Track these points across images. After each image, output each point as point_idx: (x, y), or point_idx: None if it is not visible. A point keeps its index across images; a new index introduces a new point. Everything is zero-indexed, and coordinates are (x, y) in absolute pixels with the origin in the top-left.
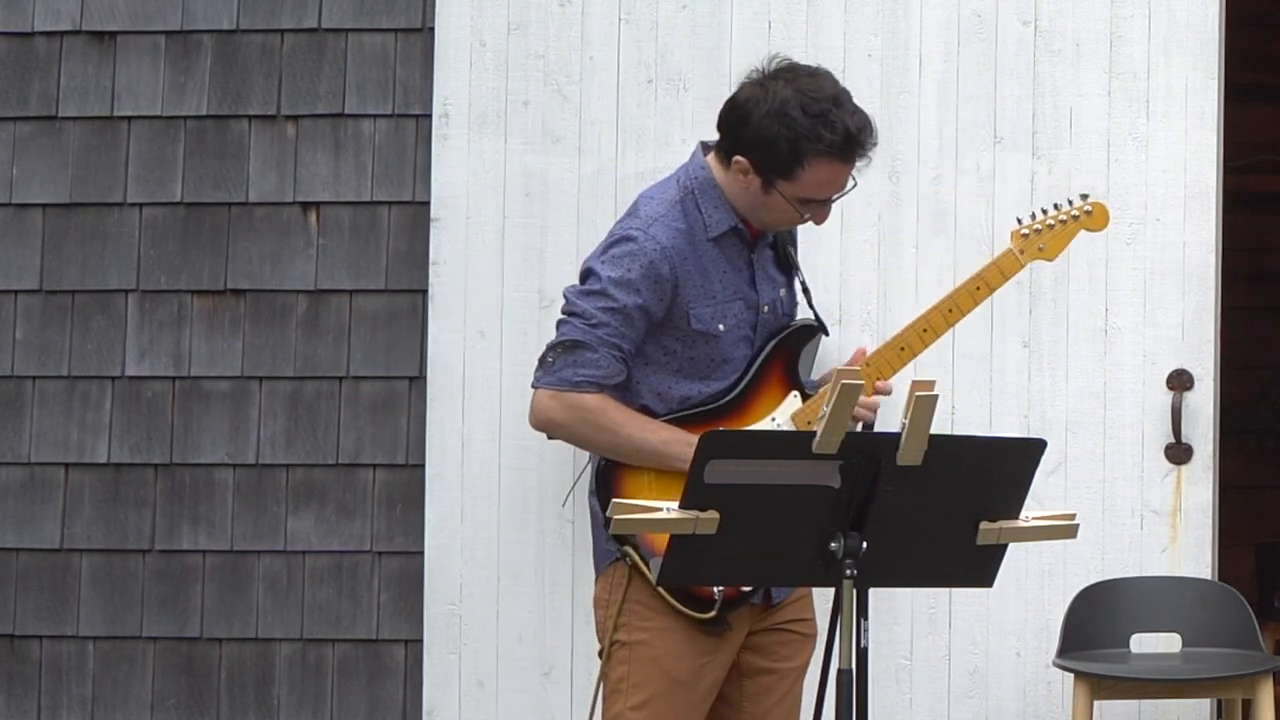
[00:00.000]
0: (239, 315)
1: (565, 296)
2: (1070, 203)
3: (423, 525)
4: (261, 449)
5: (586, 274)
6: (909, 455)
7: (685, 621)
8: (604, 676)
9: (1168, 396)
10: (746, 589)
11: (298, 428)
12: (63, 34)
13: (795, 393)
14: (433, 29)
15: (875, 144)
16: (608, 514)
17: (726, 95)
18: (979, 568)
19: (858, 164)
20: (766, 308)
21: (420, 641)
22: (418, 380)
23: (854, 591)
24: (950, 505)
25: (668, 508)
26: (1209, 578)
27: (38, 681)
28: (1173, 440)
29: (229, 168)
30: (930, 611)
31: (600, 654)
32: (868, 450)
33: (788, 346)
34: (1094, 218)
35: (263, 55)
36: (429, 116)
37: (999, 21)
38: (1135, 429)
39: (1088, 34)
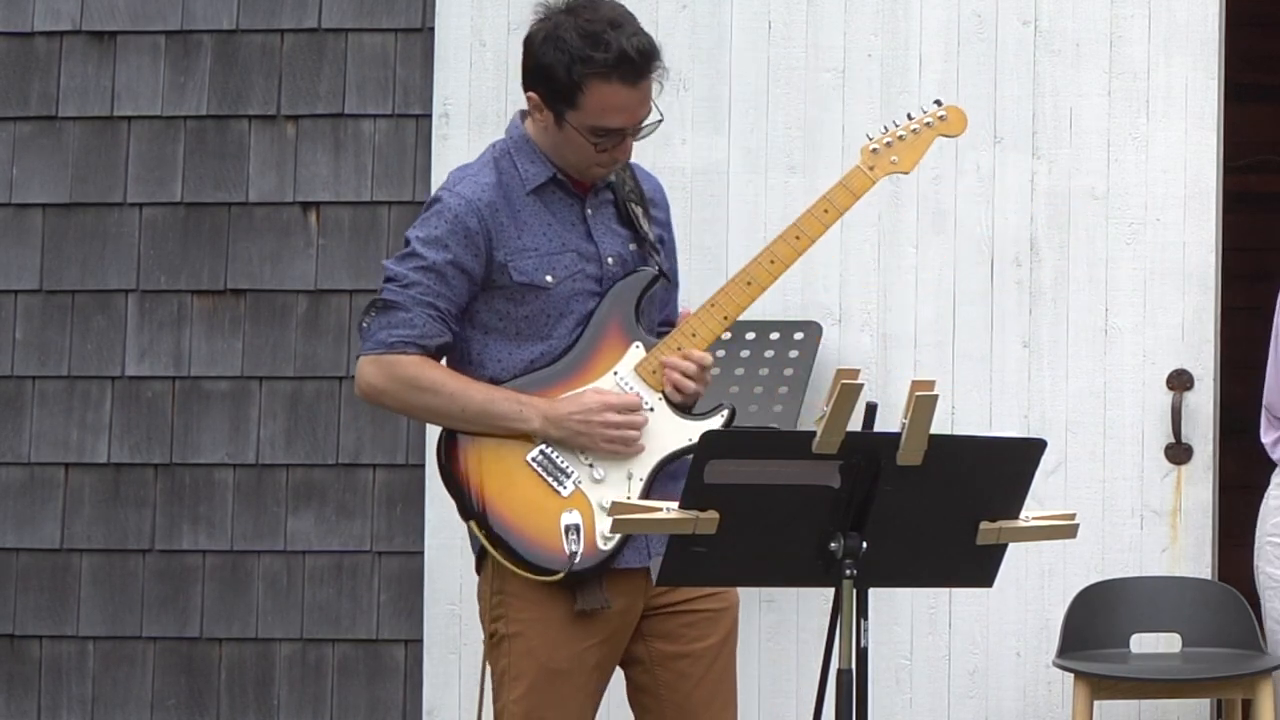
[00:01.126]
0: (239, 315)
1: (382, 266)
2: (923, 110)
3: (423, 525)
4: (261, 449)
5: (404, 242)
6: (909, 455)
7: (560, 610)
8: (490, 666)
9: (1168, 396)
10: (604, 547)
11: (298, 428)
12: (63, 34)
13: (637, 343)
14: (433, 29)
15: (659, 65)
16: (609, 513)
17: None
18: (979, 568)
19: (649, 88)
20: (611, 259)
21: (420, 641)
22: None
23: (854, 591)
24: (950, 505)
25: (668, 508)
26: (1209, 578)
27: (38, 681)
28: (1173, 440)
29: (229, 168)
30: (930, 611)
31: (484, 643)
32: (868, 450)
33: (621, 297)
34: (949, 122)
35: (263, 55)
36: (429, 116)
37: (999, 21)
38: (1135, 429)
39: (1088, 34)
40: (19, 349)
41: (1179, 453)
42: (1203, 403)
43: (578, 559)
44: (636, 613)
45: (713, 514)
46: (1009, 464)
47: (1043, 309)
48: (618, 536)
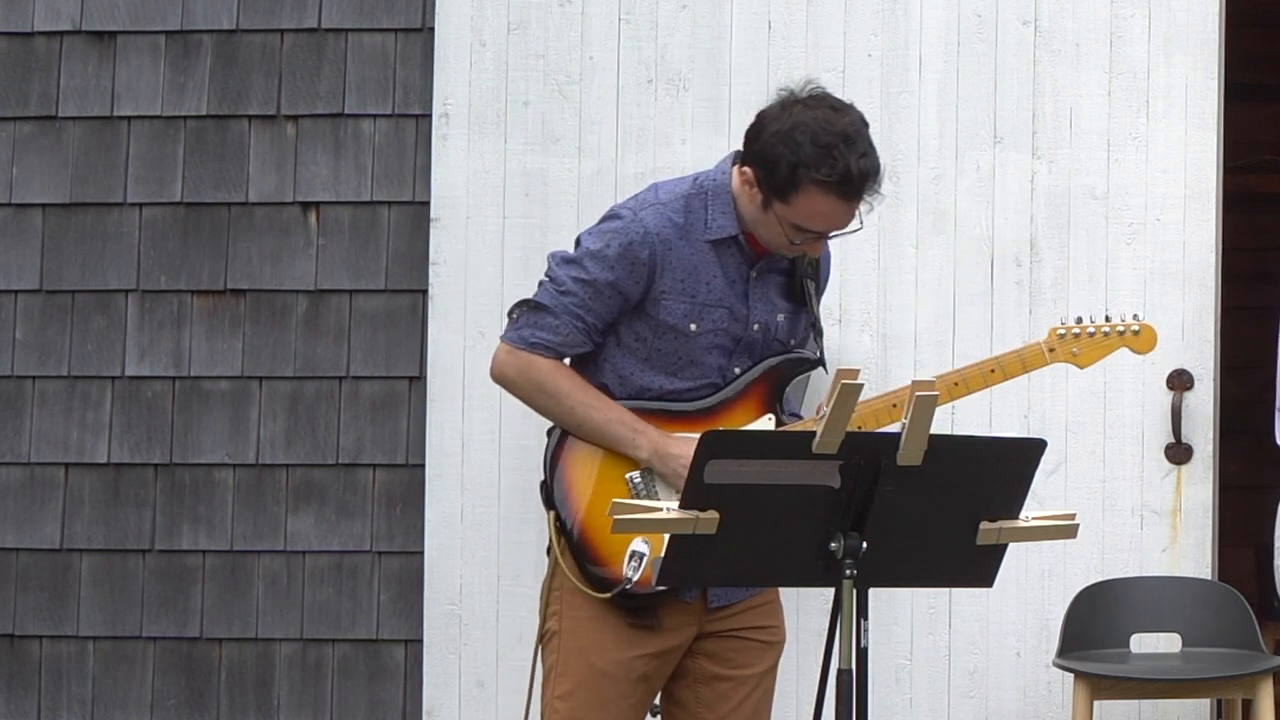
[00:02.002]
0: (239, 315)
1: (548, 259)
2: (1121, 317)
3: (423, 525)
4: (261, 449)
5: (576, 244)
6: (909, 455)
7: (615, 612)
8: (541, 659)
9: (1168, 396)
10: (661, 585)
11: (298, 428)
12: (63, 34)
13: (770, 416)
14: (433, 29)
15: (877, 190)
16: (609, 513)
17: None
18: (979, 568)
19: (860, 208)
20: (757, 326)
21: (420, 641)
22: (418, 380)
23: (854, 591)
24: (950, 505)
25: (668, 508)
26: (1209, 578)
27: (38, 681)
28: (1173, 440)
29: (229, 168)
30: (930, 611)
31: (539, 637)
32: (868, 450)
33: (778, 371)
34: (1140, 339)
35: (263, 55)
36: (429, 116)
37: (999, 21)
38: (1135, 429)
39: (1088, 34)
40: (19, 349)
41: (1179, 453)
42: (1203, 403)
43: (629, 585)
44: (690, 636)
45: (713, 514)
46: (1009, 464)
47: (1043, 309)
48: None
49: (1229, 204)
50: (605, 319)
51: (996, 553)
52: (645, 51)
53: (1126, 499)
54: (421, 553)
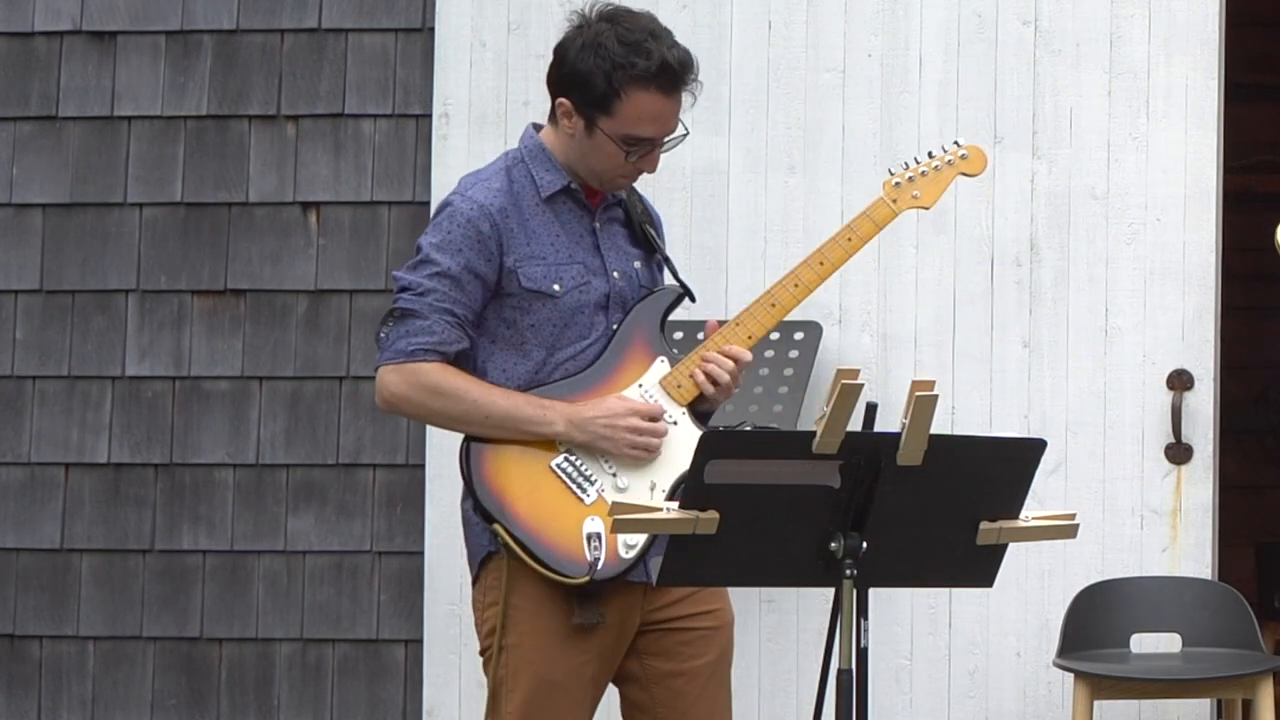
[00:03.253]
0: (239, 315)
1: (394, 276)
2: (944, 149)
3: (423, 525)
4: (261, 449)
5: (415, 251)
6: (909, 455)
7: (557, 622)
8: (487, 675)
9: (1168, 396)
10: (625, 555)
11: (298, 428)
12: (63, 34)
13: (662, 358)
14: (433, 29)
15: (696, 77)
16: (609, 514)
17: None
18: (979, 568)
19: (682, 99)
20: (617, 273)
21: (420, 641)
22: None
23: (854, 591)
24: (950, 505)
25: (668, 507)
26: (1209, 578)
27: (38, 681)
28: (1173, 440)
29: (229, 168)
30: (930, 611)
31: (480, 653)
32: (868, 450)
33: (647, 312)
34: (970, 161)
35: (263, 55)
36: (429, 116)
37: (999, 21)
38: (1135, 429)
39: (1088, 34)
40: (19, 349)
41: (1179, 453)
42: (1203, 403)
43: (599, 565)
44: (632, 627)
45: (713, 514)
46: (1009, 464)
47: (1043, 309)
48: (639, 545)
49: (1229, 204)
50: (473, 309)
51: (996, 553)
52: None
53: (1126, 499)
54: (421, 553)
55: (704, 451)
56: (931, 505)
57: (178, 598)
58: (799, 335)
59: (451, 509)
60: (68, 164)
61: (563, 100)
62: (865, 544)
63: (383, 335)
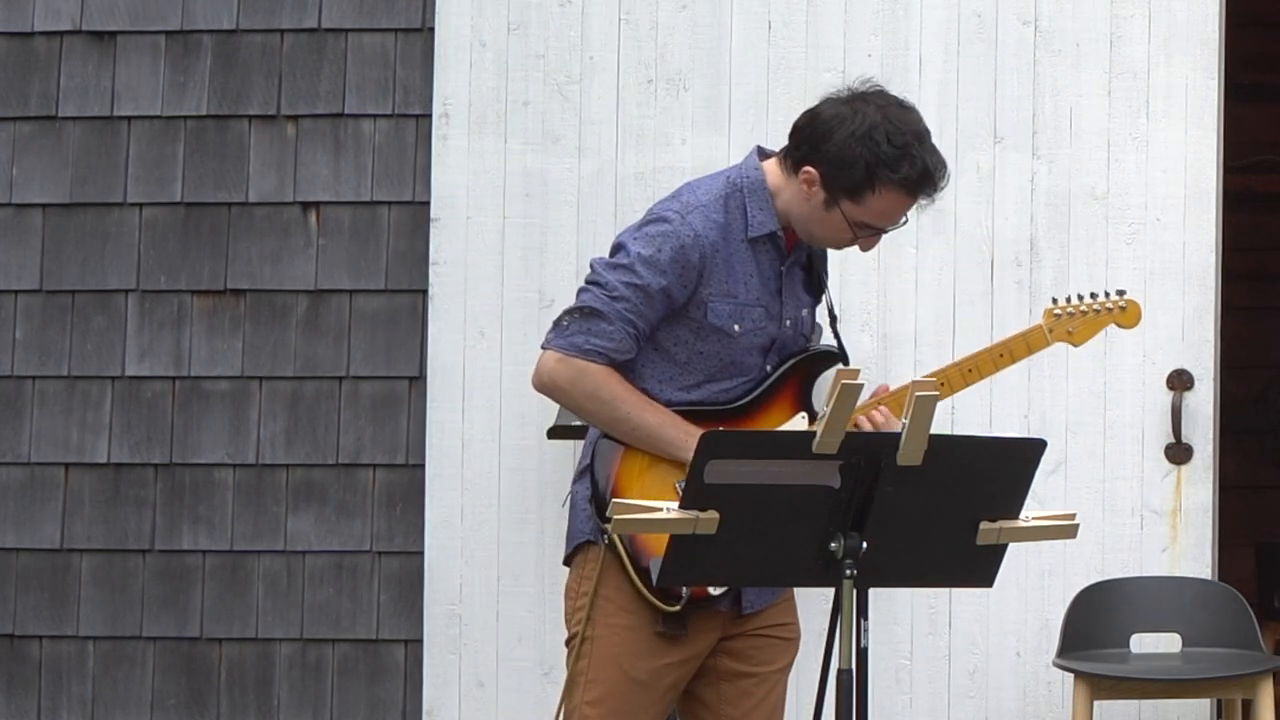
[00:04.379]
0: (239, 315)
1: (591, 266)
2: (1107, 294)
3: (423, 525)
4: (261, 449)
5: (617, 248)
6: (909, 455)
7: (647, 621)
8: (568, 664)
9: (1168, 396)
10: (714, 592)
11: (298, 428)
12: (63, 34)
13: (803, 414)
14: (433, 29)
15: (945, 187)
16: (608, 513)
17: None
18: (979, 568)
19: (920, 203)
20: (789, 322)
21: (420, 641)
22: (418, 380)
23: (854, 591)
24: (950, 505)
25: (668, 508)
26: (1209, 578)
27: (38, 681)
28: (1173, 440)
29: (229, 168)
30: (930, 611)
31: (566, 642)
32: (868, 450)
33: (806, 368)
34: (1127, 314)
35: (263, 55)
36: (429, 116)
37: (999, 21)
38: (1135, 429)
39: (1088, 34)
40: (19, 349)
41: (1179, 453)
42: (1203, 403)
43: (687, 595)
44: (714, 640)
45: (713, 514)
46: (1009, 464)
47: (1042, 309)
48: (726, 588)
49: (1229, 204)
50: (652, 324)
51: (996, 553)
52: (645, 51)
53: (1126, 499)
54: (421, 553)
55: (704, 451)
56: (931, 505)
57: (178, 598)
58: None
59: (452, 509)
60: (68, 164)
61: (811, 170)
62: (865, 544)
63: (564, 323)
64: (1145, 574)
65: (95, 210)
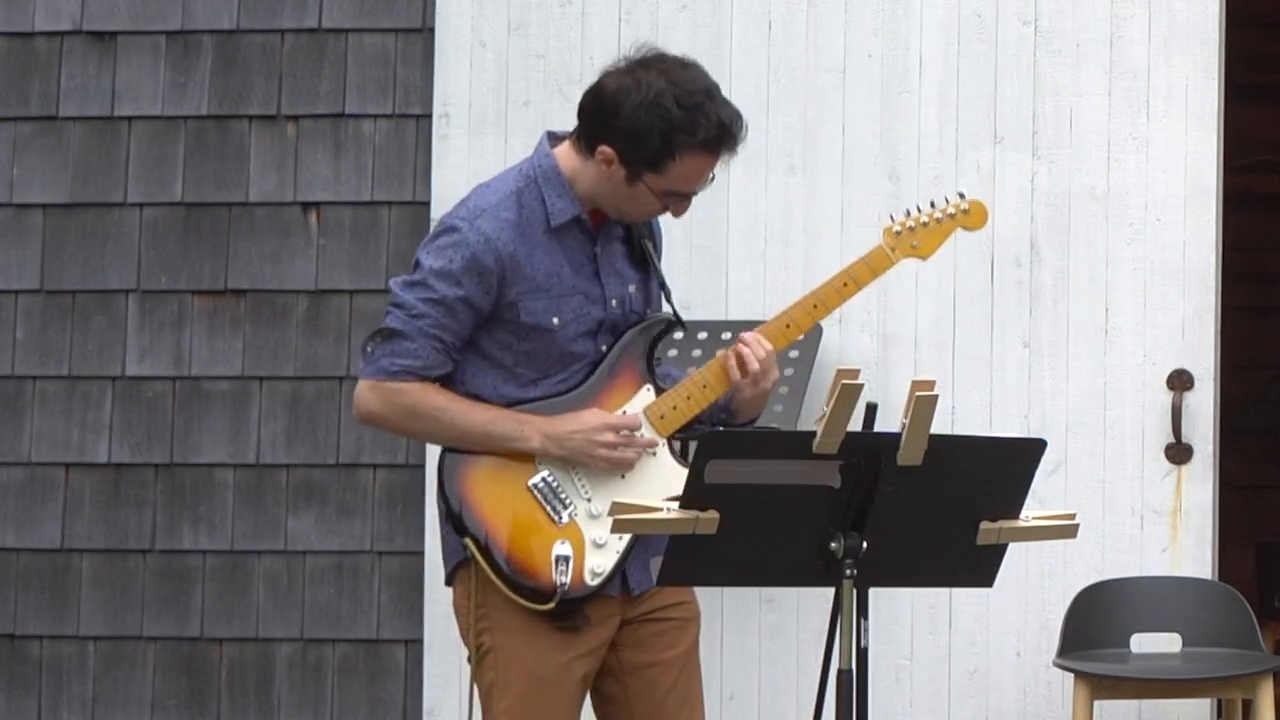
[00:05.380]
0: (239, 315)
1: (390, 287)
2: (946, 200)
3: (423, 525)
4: (261, 449)
5: (414, 264)
6: (909, 455)
7: (543, 619)
8: (476, 681)
9: (1168, 396)
10: (592, 583)
11: (298, 428)
12: (63, 34)
13: (648, 386)
14: (433, 29)
15: (745, 138)
16: (609, 514)
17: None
18: (979, 568)
19: (724, 158)
20: (615, 301)
21: (420, 641)
22: None
23: (854, 591)
24: (950, 505)
25: (668, 507)
26: (1209, 578)
27: (38, 681)
28: (1173, 440)
29: (229, 168)
30: (930, 611)
31: (468, 659)
32: (868, 450)
33: (639, 340)
34: (971, 216)
35: (263, 55)
36: (429, 116)
37: (999, 21)
38: (1135, 429)
39: (1088, 34)
40: (19, 349)
41: (1179, 453)
42: (1203, 403)
43: (565, 589)
44: (615, 627)
45: (713, 514)
46: (1009, 464)
47: (1043, 309)
48: (605, 573)
49: (1229, 204)
50: (461, 336)
51: (996, 553)
52: None
53: (1126, 499)
54: (421, 553)
55: (704, 451)
56: (931, 505)
57: (178, 598)
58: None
59: None
60: (68, 164)
61: (606, 149)
62: (865, 544)
63: (369, 350)
64: (1145, 574)
65: (95, 210)
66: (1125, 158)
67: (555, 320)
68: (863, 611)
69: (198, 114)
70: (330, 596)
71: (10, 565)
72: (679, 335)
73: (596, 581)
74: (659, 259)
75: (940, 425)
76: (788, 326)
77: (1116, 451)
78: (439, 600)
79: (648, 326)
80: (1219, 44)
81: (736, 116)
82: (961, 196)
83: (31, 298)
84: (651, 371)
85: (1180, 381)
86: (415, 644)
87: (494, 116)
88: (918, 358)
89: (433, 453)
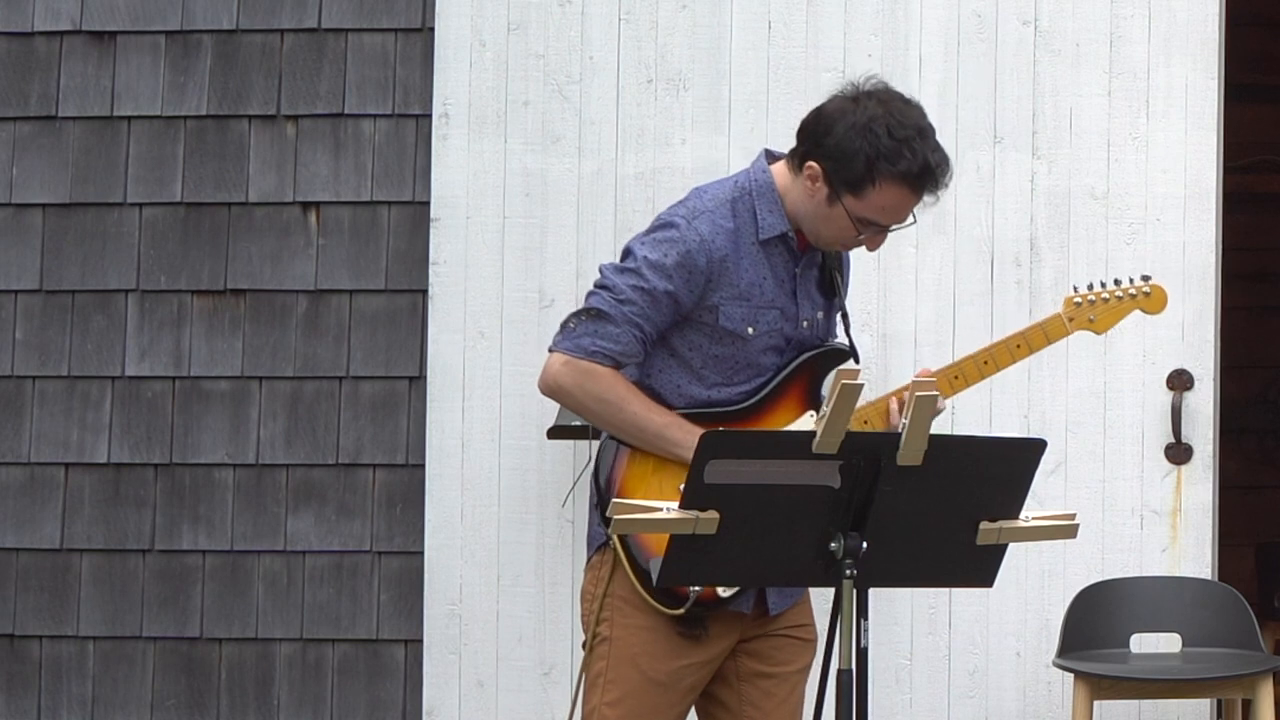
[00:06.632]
0: (239, 315)
1: (600, 270)
2: (1131, 280)
3: (423, 525)
4: (261, 449)
5: (626, 253)
6: (909, 455)
7: (665, 621)
8: (585, 668)
9: (1168, 396)
10: (725, 595)
11: (298, 428)
12: (63, 34)
13: (811, 413)
14: (433, 29)
15: (948, 185)
16: (608, 513)
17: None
18: (979, 568)
19: (925, 199)
20: (805, 323)
21: (420, 641)
22: (418, 380)
23: (854, 591)
24: (950, 505)
25: (668, 508)
26: (1209, 578)
27: (38, 681)
28: (1173, 440)
29: (229, 168)
30: (930, 611)
31: (584, 645)
32: (868, 450)
33: (814, 366)
34: (1152, 299)
35: (263, 55)
36: (429, 116)
37: (999, 21)
38: (1135, 429)
39: (1088, 34)
40: (19, 349)
41: (1179, 453)
42: (1203, 403)
43: (697, 596)
44: (733, 642)
45: (713, 514)
46: (1009, 464)
47: (1043, 309)
48: (735, 589)
49: (1229, 204)
50: (659, 329)
51: (996, 553)
52: (645, 51)
53: (1126, 499)
54: (421, 553)
55: (704, 451)
56: (931, 505)
57: (178, 598)
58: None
59: (452, 509)
60: (68, 164)
61: (815, 165)
62: (865, 544)
63: (571, 326)
64: (1145, 574)
65: (95, 210)
66: (1125, 158)
67: (750, 330)
68: (863, 611)
69: (197, 114)
70: (330, 596)
71: (10, 565)
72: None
73: (728, 594)
74: (845, 294)
75: (940, 425)
76: (956, 378)
77: (1116, 452)
78: (439, 600)
79: (826, 355)
80: (1219, 44)
81: (944, 161)
82: (1146, 279)
83: (31, 298)
84: (818, 397)
85: (1180, 381)
86: (415, 644)
87: (494, 116)
88: (918, 357)
89: (433, 453)
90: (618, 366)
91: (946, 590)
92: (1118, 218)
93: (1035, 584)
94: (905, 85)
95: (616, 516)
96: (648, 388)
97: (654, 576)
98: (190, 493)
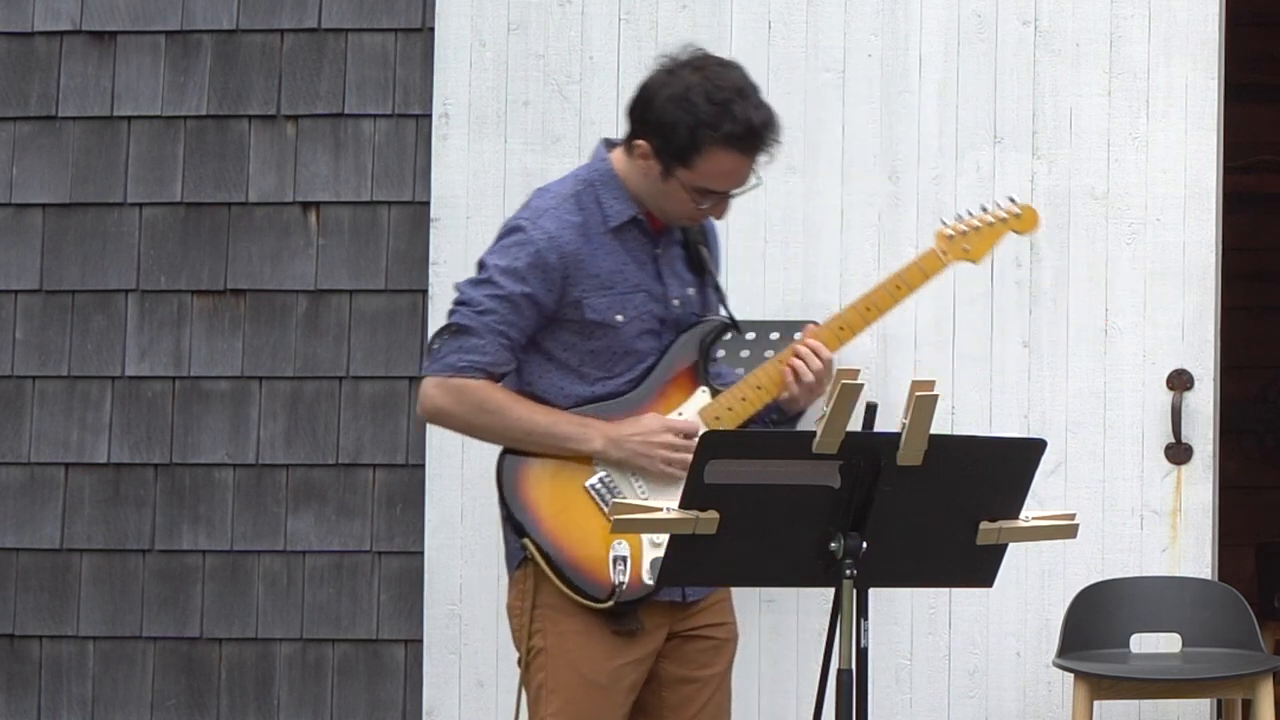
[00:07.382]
0: (239, 315)
1: (456, 288)
2: (998, 204)
3: (423, 525)
4: (261, 449)
5: (479, 266)
6: (909, 455)
7: (599, 623)
8: (525, 684)
9: (1168, 396)
10: (650, 585)
11: (298, 428)
12: (63, 34)
13: (703, 388)
14: (433, 29)
15: (778, 140)
16: (609, 513)
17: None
18: (979, 568)
19: (760, 159)
20: (677, 301)
21: (420, 641)
22: (418, 380)
23: (854, 591)
24: (950, 505)
25: (668, 508)
26: (1209, 578)
27: (38, 681)
28: (1173, 440)
29: (229, 168)
30: (930, 611)
31: (519, 663)
32: (868, 450)
33: (695, 342)
34: (1023, 220)
35: (263, 55)
36: (429, 116)
37: (999, 21)
38: (1135, 429)
39: (1088, 34)
40: (19, 349)
41: (1179, 453)
42: (1203, 403)
43: (623, 589)
44: (664, 637)
45: (713, 514)
46: (1009, 464)
47: (1043, 309)
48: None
49: (1229, 204)
50: (525, 333)
51: (996, 553)
52: (645, 51)
53: (1126, 499)
54: (421, 553)
55: (704, 451)
56: (931, 505)
57: (178, 598)
58: (799, 335)
59: (452, 509)
60: (68, 164)
61: (642, 142)
62: (865, 544)
63: (435, 347)
64: (1145, 574)
65: (95, 210)
66: (1125, 158)
67: (619, 317)
68: (863, 612)
69: (197, 114)
70: (330, 596)
71: (10, 565)
72: (730, 337)
73: (654, 581)
74: (716, 267)
75: (940, 425)
76: (841, 329)
77: (1116, 451)
78: (439, 600)
79: (703, 328)
80: (1219, 44)
81: (769, 118)
82: (1012, 200)
83: (31, 298)
84: (707, 373)
85: (1180, 381)
86: (415, 644)
87: (493, 116)
88: (918, 358)
89: (433, 453)
90: (491, 378)
91: (946, 590)
92: (1118, 218)
93: (1035, 584)
94: (905, 85)
95: (616, 517)
96: (531, 394)
97: (652, 577)
98: (190, 493)
